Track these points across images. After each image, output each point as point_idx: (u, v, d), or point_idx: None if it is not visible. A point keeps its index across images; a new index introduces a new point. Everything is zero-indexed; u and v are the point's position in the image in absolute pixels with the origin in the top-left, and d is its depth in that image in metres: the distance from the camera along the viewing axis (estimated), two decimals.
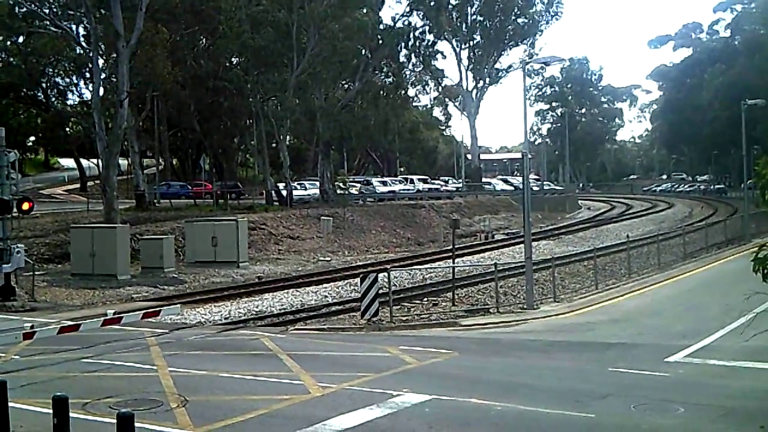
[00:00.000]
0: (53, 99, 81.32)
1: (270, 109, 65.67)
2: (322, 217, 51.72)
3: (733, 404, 13.64)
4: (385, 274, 26.13)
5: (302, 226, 53.59)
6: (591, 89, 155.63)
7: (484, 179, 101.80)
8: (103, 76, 50.69)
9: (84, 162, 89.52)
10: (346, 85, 77.77)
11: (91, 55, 49.38)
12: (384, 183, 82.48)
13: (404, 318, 25.65)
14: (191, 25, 62.62)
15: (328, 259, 46.02)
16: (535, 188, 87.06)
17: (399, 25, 77.01)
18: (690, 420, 12.69)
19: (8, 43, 67.88)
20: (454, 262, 32.06)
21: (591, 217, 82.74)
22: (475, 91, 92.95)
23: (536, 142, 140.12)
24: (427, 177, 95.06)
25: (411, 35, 78.77)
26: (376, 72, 75.26)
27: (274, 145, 72.72)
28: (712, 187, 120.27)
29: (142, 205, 58.46)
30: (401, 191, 79.03)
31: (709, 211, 77.85)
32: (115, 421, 7.93)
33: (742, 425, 11.26)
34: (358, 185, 77.83)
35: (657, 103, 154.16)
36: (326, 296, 31.71)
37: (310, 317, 26.57)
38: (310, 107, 68.82)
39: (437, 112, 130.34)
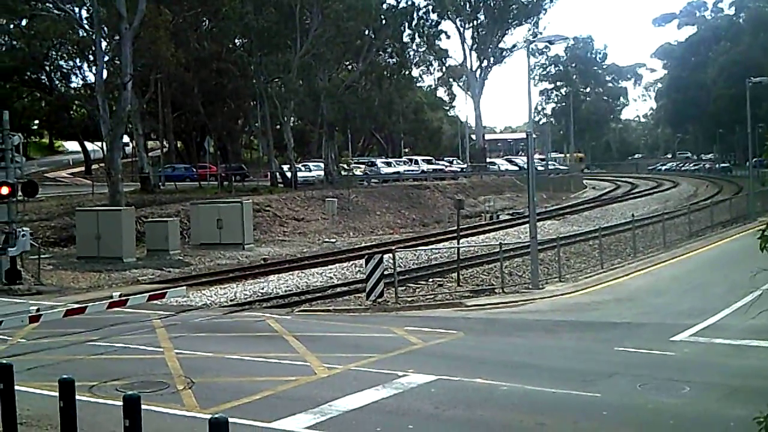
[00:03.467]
0: (57, 82, 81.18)
1: (274, 90, 65.47)
2: (327, 199, 51.73)
3: (739, 383, 13.64)
4: (390, 255, 26.13)
5: (307, 208, 53.59)
6: (595, 68, 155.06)
7: (488, 159, 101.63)
8: (106, 58, 50.53)
9: (88, 145, 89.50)
10: (349, 66, 77.61)
11: (94, 37, 49.29)
12: (388, 164, 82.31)
13: (409, 299, 25.66)
14: (194, 7, 62.42)
15: (333, 240, 46.05)
16: (539, 168, 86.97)
17: (403, 4, 76.66)
18: (696, 399, 12.71)
19: (11, 26, 67.64)
20: (459, 243, 32.08)
21: (596, 196, 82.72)
22: (479, 70, 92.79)
23: (541, 122, 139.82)
24: (431, 158, 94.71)
25: (415, 15, 78.44)
26: (380, 52, 74.97)
27: (278, 126, 72.57)
28: (717, 165, 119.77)
29: (146, 187, 58.39)
30: (406, 172, 78.91)
31: (714, 190, 77.71)
32: (121, 403, 7.95)
33: (747, 404, 11.24)
34: (363, 166, 77.68)
35: (662, 81, 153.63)
36: (331, 277, 31.75)
37: (315, 298, 26.63)
38: (314, 88, 68.62)
39: (441, 93, 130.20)
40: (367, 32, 69.60)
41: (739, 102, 56.59)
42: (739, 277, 17.40)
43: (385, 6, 73.85)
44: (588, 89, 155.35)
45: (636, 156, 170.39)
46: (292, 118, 73.84)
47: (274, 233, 47.95)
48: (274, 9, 60.83)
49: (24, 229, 29.35)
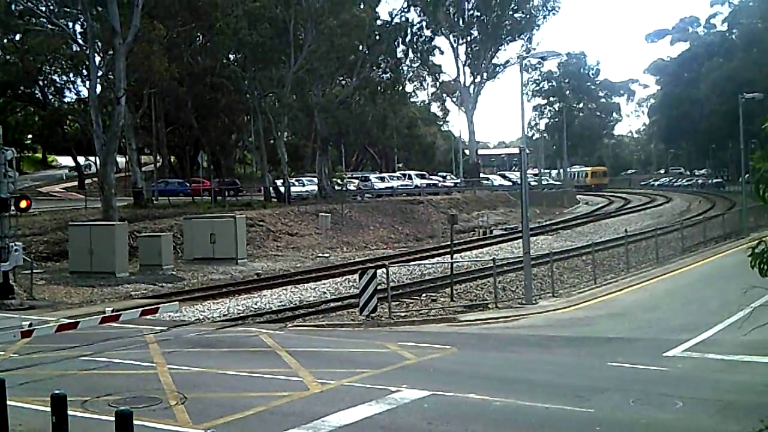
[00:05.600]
0: (50, 97, 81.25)
1: (267, 105, 65.60)
2: (321, 214, 51.74)
3: (732, 398, 13.65)
4: (384, 269, 26.13)
5: (300, 223, 53.56)
6: (588, 84, 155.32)
7: (482, 175, 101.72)
8: (100, 73, 50.58)
9: (81, 160, 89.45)
10: (343, 81, 77.64)
11: (87, 52, 49.34)
12: (382, 179, 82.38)
13: (403, 314, 25.66)
14: (188, 22, 62.45)
15: (327, 255, 46.02)
16: (533, 183, 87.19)
17: (396, 20, 76.75)
18: (688, 414, 12.71)
19: (5, 40, 67.66)
20: (452, 258, 32.07)
21: (589, 211, 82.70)
22: (472, 86, 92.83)
23: (534, 137, 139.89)
24: (425, 173, 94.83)
25: (408, 31, 78.51)
26: (374, 68, 75.03)
27: (271, 141, 72.67)
28: (709, 181, 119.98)
29: (140, 202, 58.34)
30: (399, 187, 78.98)
31: (707, 206, 77.78)
32: (114, 418, 7.92)
33: (740, 419, 11.26)
34: (356, 181, 77.76)
35: (654, 97, 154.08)
36: (325, 292, 31.74)
37: (308, 314, 26.62)
38: (308, 103, 68.74)
39: (435, 108, 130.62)
40: (360, 48, 69.72)
41: (732, 118, 56.85)
42: (732, 292, 17.41)
43: (379, 22, 74.09)
44: (581, 105, 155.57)
45: (629, 171, 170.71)
46: (285, 133, 73.94)
47: (268, 248, 47.92)
48: (269, 24, 60.93)
49: (16, 243, 29.23)
